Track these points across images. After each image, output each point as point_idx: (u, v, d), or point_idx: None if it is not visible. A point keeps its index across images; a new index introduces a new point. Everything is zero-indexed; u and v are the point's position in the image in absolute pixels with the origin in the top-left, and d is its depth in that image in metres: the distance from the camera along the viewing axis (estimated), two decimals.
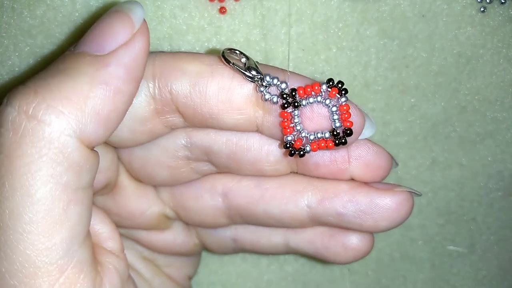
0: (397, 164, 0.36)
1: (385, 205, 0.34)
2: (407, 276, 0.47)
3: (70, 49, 0.30)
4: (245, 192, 0.36)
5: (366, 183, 0.34)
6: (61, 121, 0.27)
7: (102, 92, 0.28)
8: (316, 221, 0.36)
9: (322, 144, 0.32)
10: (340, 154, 0.33)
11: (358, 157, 0.33)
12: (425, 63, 0.40)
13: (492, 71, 0.40)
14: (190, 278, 0.43)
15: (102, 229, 0.34)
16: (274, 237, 0.39)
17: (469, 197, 0.45)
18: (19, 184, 0.27)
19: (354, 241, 0.36)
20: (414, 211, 0.45)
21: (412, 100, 0.41)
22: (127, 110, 0.30)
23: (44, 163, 0.27)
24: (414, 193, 0.35)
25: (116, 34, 0.29)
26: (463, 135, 0.42)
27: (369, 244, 0.37)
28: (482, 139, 0.43)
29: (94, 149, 0.29)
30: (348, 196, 0.34)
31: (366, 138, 0.34)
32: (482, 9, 0.39)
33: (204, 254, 0.46)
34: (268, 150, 0.34)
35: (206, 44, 0.39)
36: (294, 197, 0.35)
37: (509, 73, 0.40)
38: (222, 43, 0.39)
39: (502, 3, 0.38)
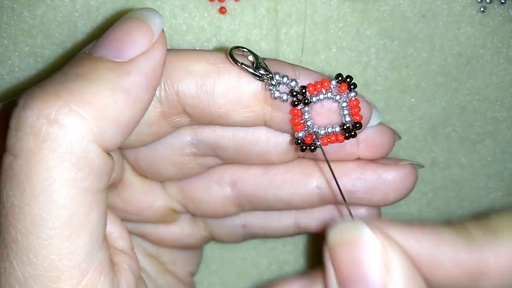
0: (400, 138, 0.37)
1: (392, 178, 0.35)
2: None
3: (85, 51, 0.30)
4: (254, 180, 0.37)
5: (371, 160, 0.35)
6: (83, 126, 0.27)
7: (123, 100, 0.28)
8: (327, 200, 0.37)
9: (333, 138, 0.33)
10: (348, 140, 0.34)
11: (365, 140, 0.34)
12: (425, 63, 0.40)
13: (492, 71, 0.40)
14: (192, 275, 0.44)
15: (112, 229, 0.34)
16: (284, 219, 0.39)
17: (469, 197, 0.45)
18: (40, 189, 0.26)
19: (363, 212, 0.37)
20: (414, 211, 0.45)
21: (412, 100, 0.41)
22: (142, 118, 0.30)
23: (66, 169, 0.27)
24: (417, 164, 0.36)
25: (136, 42, 0.29)
26: (463, 135, 0.42)
27: (377, 215, 0.38)
28: (482, 139, 0.43)
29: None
30: (357, 174, 0.35)
31: None
32: (482, 9, 0.39)
33: (205, 254, 0.46)
34: (276, 142, 0.35)
35: (206, 44, 0.39)
36: (303, 180, 0.36)
37: (509, 73, 0.40)
38: (222, 43, 0.39)
39: (502, 3, 0.38)
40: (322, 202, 0.37)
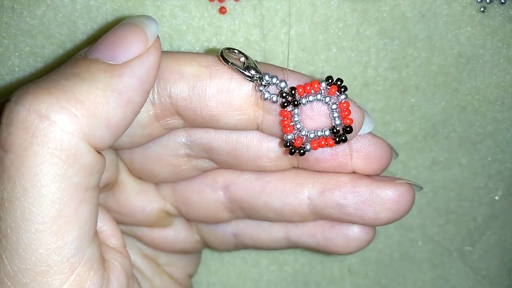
0: (397, 155, 0.36)
1: (386, 196, 0.34)
2: (407, 276, 0.47)
3: (81, 54, 0.30)
4: (246, 185, 0.37)
5: (367, 175, 0.35)
6: (73, 124, 0.27)
7: (114, 100, 0.28)
8: (317, 214, 0.36)
9: (323, 142, 0.32)
10: (341, 148, 0.34)
11: (359, 150, 0.34)
12: (425, 63, 0.40)
13: (492, 71, 0.40)
14: (190, 276, 0.44)
15: (104, 226, 0.34)
16: (275, 232, 0.39)
17: (469, 197, 0.45)
18: (30, 184, 0.27)
19: (356, 231, 0.36)
20: (414, 211, 0.45)
21: (412, 100, 0.41)
22: (134, 119, 0.30)
23: (55, 164, 0.27)
24: (415, 185, 0.35)
25: (131, 46, 0.30)
26: (463, 135, 0.42)
27: (371, 234, 0.36)
28: (482, 139, 0.43)
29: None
30: (349, 188, 0.34)
31: None
32: (482, 9, 0.39)
33: (204, 254, 0.46)
34: (268, 147, 0.34)
35: (206, 44, 0.39)
36: (294, 189, 0.36)
37: (509, 73, 0.40)
38: (222, 43, 0.39)
39: (502, 3, 0.38)
40: (313, 215, 0.36)
